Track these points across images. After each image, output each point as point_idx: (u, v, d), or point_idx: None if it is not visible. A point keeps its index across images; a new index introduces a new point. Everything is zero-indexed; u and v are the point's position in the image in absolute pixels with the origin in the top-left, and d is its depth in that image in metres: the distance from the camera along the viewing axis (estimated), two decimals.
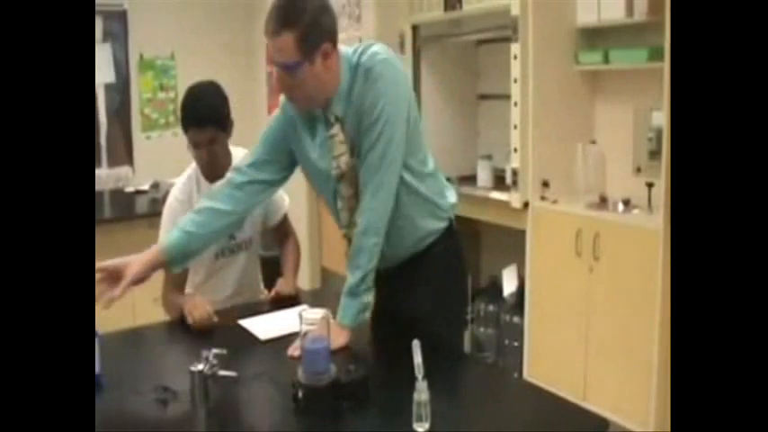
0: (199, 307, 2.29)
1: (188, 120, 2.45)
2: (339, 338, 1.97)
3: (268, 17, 1.91)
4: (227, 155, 2.55)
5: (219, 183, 2.29)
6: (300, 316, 1.77)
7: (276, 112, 2.21)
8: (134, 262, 2.05)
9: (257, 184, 2.21)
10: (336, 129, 2.05)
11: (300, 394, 1.70)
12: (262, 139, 2.22)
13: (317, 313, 1.77)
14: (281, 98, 2.15)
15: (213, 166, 2.51)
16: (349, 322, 2.04)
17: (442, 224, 2.24)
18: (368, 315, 2.07)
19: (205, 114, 2.43)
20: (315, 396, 1.69)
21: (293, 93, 2.00)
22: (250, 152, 2.26)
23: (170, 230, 2.48)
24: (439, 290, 2.22)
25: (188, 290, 2.63)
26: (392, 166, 2.01)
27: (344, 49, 2.04)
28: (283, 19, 1.88)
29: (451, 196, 2.29)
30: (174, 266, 2.18)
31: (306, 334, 1.74)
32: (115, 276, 2.00)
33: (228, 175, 2.24)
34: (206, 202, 2.20)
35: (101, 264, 1.95)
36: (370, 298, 2.07)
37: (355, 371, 1.75)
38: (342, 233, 2.20)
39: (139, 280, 2.04)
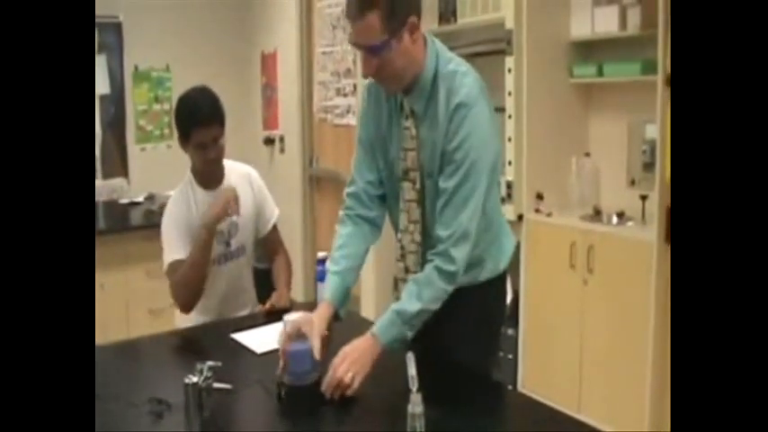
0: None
1: (192, 121, 2.44)
2: (365, 355, 1.82)
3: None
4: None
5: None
6: (284, 320, 1.82)
7: (362, 95, 2.11)
8: (314, 320, 1.90)
9: (372, 188, 2.12)
10: (410, 123, 1.96)
11: (283, 393, 1.75)
12: (358, 132, 2.13)
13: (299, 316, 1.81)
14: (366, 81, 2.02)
15: (218, 166, 2.55)
16: (385, 340, 1.85)
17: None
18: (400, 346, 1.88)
19: (209, 112, 2.45)
20: (297, 395, 1.75)
21: (381, 74, 1.87)
22: (353, 165, 2.15)
23: (177, 239, 2.50)
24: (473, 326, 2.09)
25: None
26: (476, 213, 1.88)
27: (430, 36, 1.95)
28: None
29: (494, 268, 2.11)
30: (342, 308, 2.04)
31: (289, 336, 1.79)
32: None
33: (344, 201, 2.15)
34: (340, 236, 2.11)
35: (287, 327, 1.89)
36: (411, 334, 1.90)
37: None
38: (397, 237, 2.09)
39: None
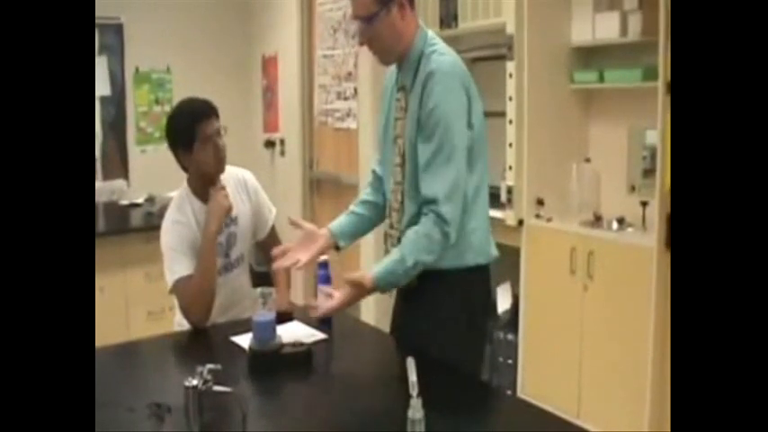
0: None
1: (194, 115, 2.49)
2: (355, 285, 2.08)
3: None
4: None
5: None
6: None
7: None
8: (321, 236, 2.31)
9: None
10: (401, 95, 2.17)
11: (249, 355, 2.06)
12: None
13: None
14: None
15: (223, 166, 2.54)
16: (382, 280, 2.07)
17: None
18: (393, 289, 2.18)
19: (207, 107, 2.52)
20: (260, 358, 2.04)
21: (373, 45, 2.14)
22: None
23: (180, 254, 2.47)
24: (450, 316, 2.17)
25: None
26: (460, 174, 2.05)
27: (422, 24, 2.17)
28: None
29: (479, 255, 2.18)
30: (343, 241, 2.34)
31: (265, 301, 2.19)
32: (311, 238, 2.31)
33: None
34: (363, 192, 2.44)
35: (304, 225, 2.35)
36: (404, 282, 2.10)
37: (301, 345, 2.09)
38: (387, 197, 2.29)
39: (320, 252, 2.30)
